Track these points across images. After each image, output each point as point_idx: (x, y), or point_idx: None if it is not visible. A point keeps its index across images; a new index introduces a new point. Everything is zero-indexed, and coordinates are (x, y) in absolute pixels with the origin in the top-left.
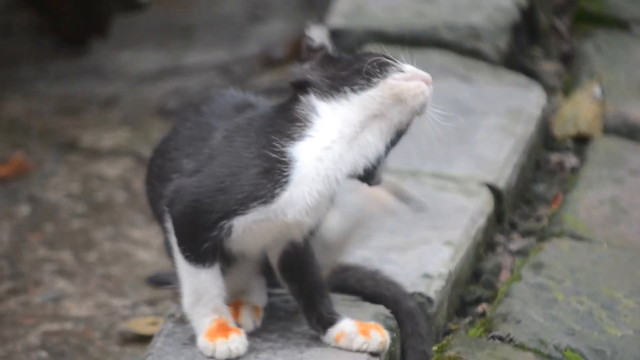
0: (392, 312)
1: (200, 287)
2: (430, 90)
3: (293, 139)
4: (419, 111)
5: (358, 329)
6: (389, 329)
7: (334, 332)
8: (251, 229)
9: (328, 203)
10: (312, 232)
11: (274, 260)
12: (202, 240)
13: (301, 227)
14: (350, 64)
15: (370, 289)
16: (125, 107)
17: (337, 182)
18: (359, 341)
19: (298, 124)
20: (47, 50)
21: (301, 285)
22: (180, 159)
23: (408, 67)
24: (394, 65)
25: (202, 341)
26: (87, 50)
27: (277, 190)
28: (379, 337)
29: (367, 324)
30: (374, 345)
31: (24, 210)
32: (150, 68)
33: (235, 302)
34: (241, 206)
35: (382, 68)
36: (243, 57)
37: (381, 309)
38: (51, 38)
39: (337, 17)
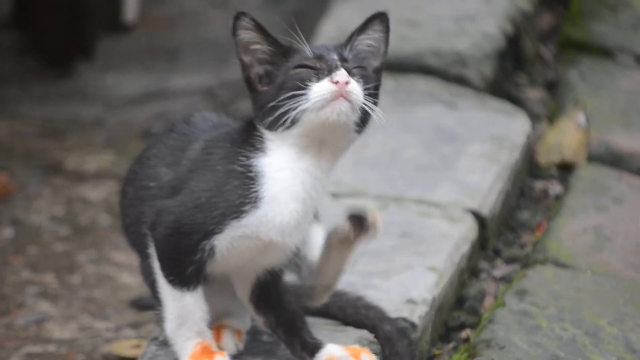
0: (374, 337)
1: (185, 311)
2: (346, 97)
3: (257, 149)
4: (346, 120)
5: (349, 353)
6: (374, 352)
7: (322, 356)
8: (234, 249)
9: (307, 223)
10: (295, 255)
11: (244, 293)
12: (186, 264)
13: (282, 249)
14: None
15: (352, 317)
16: (110, 130)
17: (311, 199)
18: None
19: (260, 136)
20: (31, 72)
21: (278, 315)
22: (159, 167)
23: (319, 89)
24: (304, 97)
25: None
26: (72, 72)
27: (246, 207)
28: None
29: (355, 347)
30: None
31: (7, 232)
32: (134, 91)
33: (217, 325)
34: (218, 224)
35: (297, 102)
36: (228, 81)
37: (365, 333)
38: (36, 59)
39: (323, 40)
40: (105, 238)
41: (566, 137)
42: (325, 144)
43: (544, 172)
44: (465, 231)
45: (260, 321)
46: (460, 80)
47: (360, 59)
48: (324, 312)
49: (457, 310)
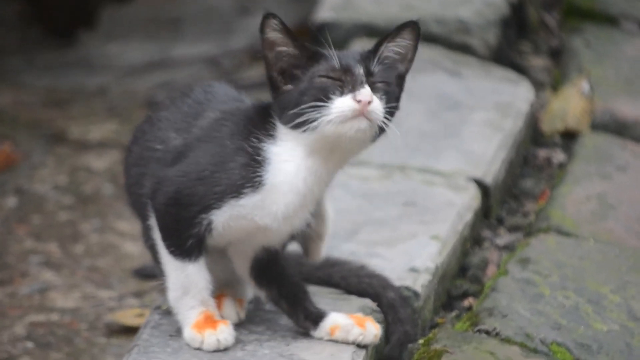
0: (377, 305)
1: (187, 281)
2: (367, 116)
3: (270, 136)
4: (363, 136)
5: (354, 322)
6: (377, 321)
7: (326, 325)
8: (230, 227)
9: (305, 213)
10: (292, 237)
11: (244, 269)
12: (186, 236)
13: (277, 233)
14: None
15: (354, 286)
16: (113, 99)
17: (312, 194)
18: (355, 332)
19: (274, 124)
20: (35, 42)
21: (281, 287)
22: (169, 130)
23: (342, 105)
24: (327, 109)
25: (190, 332)
26: (75, 41)
27: (246, 189)
28: (374, 329)
29: (359, 316)
30: (369, 337)
31: (10, 201)
32: (138, 60)
33: (219, 294)
34: (217, 200)
35: (318, 113)
36: (231, 50)
37: (367, 302)
38: (39, 29)
39: (327, 10)
40: (109, 207)
41: (570, 105)
42: (337, 150)
43: (547, 140)
44: (468, 200)
45: (262, 295)
46: (463, 48)
47: (387, 67)
48: (327, 281)
49: (460, 278)
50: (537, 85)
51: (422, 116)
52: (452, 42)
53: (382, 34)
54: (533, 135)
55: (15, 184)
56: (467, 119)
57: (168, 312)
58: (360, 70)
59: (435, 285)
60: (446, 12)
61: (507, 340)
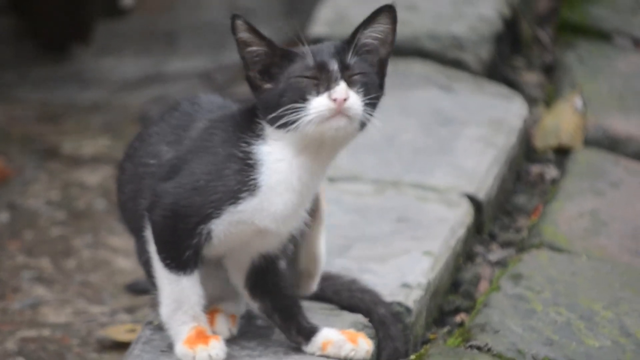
0: (368, 320)
1: (181, 295)
2: (345, 113)
3: (258, 137)
4: (344, 134)
5: (346, 337)
6: (369, 337)
7: (318, 340)
8: (231, 234)
9: (302, 211)
10: (290, 241)
11: (239, 279)
12: (183, 247)
13: (277, 235)
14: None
15: (346, 301)
16: (107, 114)
17: (308, 189)
18: (347, 348)
19: (261, 124)
20: (28, 56)
21: (274, 300)
22: (160, 144)
23: (318, 105)
24: (305, 109)
25: (181, 348)
26: (69, 56)
27: (244, 194)
28: (366, 345)
29: (352, 332)
30: (360, 354)
31: (3, 217)
32: (131, 75)
33: (211, 310)
34: (215, 209)
35: (297, 114)
36: (225, 65)
37: (359, 317)
38: (33, 43)
39: (320, 25)
40: (101, 223)
41: (563, 121)
42: (324, 146)
43: (540, 156)
44: (461, 215)
45: (255, 307)
46: (457, 64)
47: (365, 56)
48: (319, 296)
49: (452, 294)
50: (530, 101)
51: (416, 131)
52: (446, 57)
53: None
54: (526, 151)
55: (8, 199)
56: (460, 134)
57: (160, 328)
58: (334, 66)
59: (427, 300)
60: (439, 28)
61: (499, 356)
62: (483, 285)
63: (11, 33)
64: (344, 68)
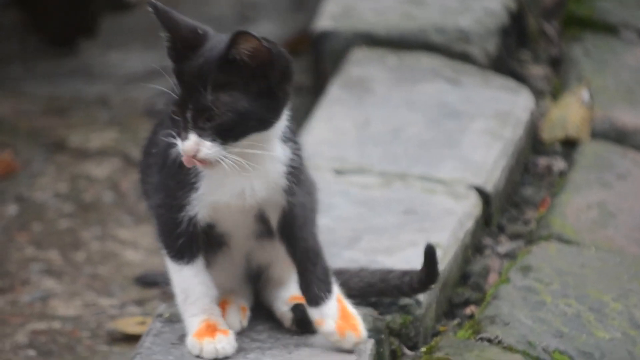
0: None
1: (185, 285)
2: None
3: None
4: (219, 165)
5: (337, 328)
6: (377, 330)
7: (315, 314)
8: (213, 217)
9: (267, 182)
10: (290, 203)
11: (275, 223)
12: (175, 236)
13: (259, 206)
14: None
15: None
16: (114, 107)
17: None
18: (333, 340)
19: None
20: (34, 50)
21: (295, 249)
22: (159, 134)
23: (179, 149)
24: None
25: (190, 340)
26: (75, 50)
27: (194, 181)
28: (354, 337)
29: (348, 321)
30: (348, 345)
31: (11, 209)
32: (138, 68)
33: (222, 301)
34: (181, 199)
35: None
36: None
37: (370, 310)
38: (39, 37)
39: (326, 19)
40: (109, 215)
41: (570, 114)
42: None
43: (547, 148)
44: (469, 208)
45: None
46: (463, 57)
47: (235, 84)
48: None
49: (462, 286)
50: (537, 94)
51: (422, 124)
52: (452, 51)
53: (382, 43)
54: (533, 143)
55: (16, 192)
56: (467, 127)
57: (170, 320)
58: (187, 113)
59: (436, 293)
60: (446, 21)
61: (509, 349)
62: (492, 278)
63: (17, 27)
64: (198, 113)
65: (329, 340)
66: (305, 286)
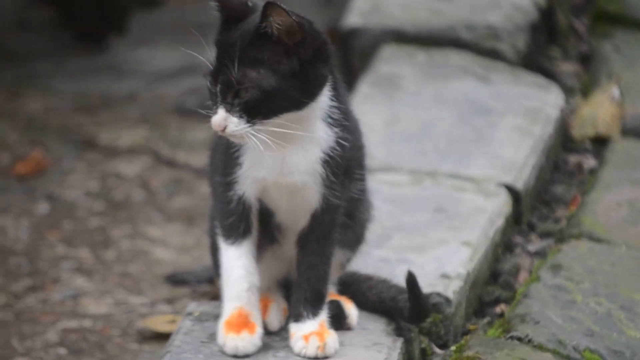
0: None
1: (228, 266)
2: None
3: None
4: (246, 140)
5: (302, 336)
6: (406, 328)
7: (292, 328)
8: (260, 195)
9: (297, 165)
10: (329, 197)
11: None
12: (226, 213)
13: (296, 189)
14: None
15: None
16: (143, 104)
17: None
18: (297, 347)
19: None
20: (64, 47)
21: (302, 258)
22: None
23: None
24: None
25: (220, 327)
26: (105, 47)
27: (241, 159)
28: (317, 342)
29: (319, 331)
30: (310, 350)
31: (42, 208)
32: (168, 66)
33: (264, 298)
34: (230, 176)
35: None
36: None
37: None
38: (69, 34)
39: (355, 16)
40: (139, 213)
41: (600, 111)
42: None
43: (578, 145)
44: (499, 206)
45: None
46: (493, 54)
47: (261, 61)
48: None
49: (492, 285)
50: (567, 91)
51: (452, 122)
52: (482, 47)
53: (412, 40)
54: (563, 141)
55: (46, 190)
56: (497, 124)
57: (200, 319)
58: (217, 87)
59: (466, 291)
60: (475, 18)
61: (540, 347)
62: (522, 276)
63: (47, 24)
64: (226, 88)
65: (293, 348)
66: (295, 300)
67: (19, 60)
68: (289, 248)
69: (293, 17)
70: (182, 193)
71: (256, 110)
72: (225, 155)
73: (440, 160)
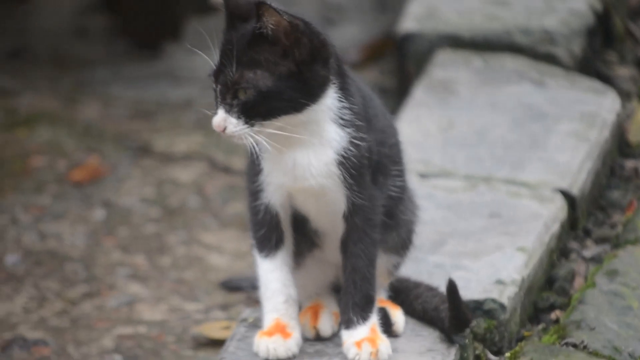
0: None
1: (263, 279)
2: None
3: None
4: (248, 142)
5: (354, 342)
6: (461, 335)
7: (344, 335)
8: (282, 203)
9: (313, 168)
10: (352, 197)
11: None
12: (256, 224)
13: (319, 190)
14: None
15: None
16: (199, 111)
17: (289, 151)
18: (351, 354)
19: None
20: (121, 53)
21: (345, 263)
22: None
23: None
24: None
25: (256, 337)
26: (161, 53)
27: (260, 166)
28: (369, 348)
29: (370, 336)
30: (364, 357)
31: (98, 214)
32: None
33: (315, 305)
34: (256, 183)
35: None
36: None
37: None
38: (125, 41)
39: (410, 21)
40: (194, 219)
41: None
42: None
43: (634, 150)
44: (554, 211)
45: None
46: (549, 59)
47: (258, 62)
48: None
49: (547, 291)
50: (623, 96)
51: (507, 127)
52: (537, 52)
53: (467, 45)
54: (619, 145)
55: (102, 197)
56: (553, 129)
57: (254, 325)
58: (217, 87)
59: (521, 297)
60: (531, 22)
61: (595, 354)
62: (578, 282)
63: (104, 31)
64: (225, 88)
65: (347, 355)
66: (343, 306)
67: (76, 67)
68: (332, 253)
69: (285, 17)
70: (237, 199)
71: (254, 111)
72: (252, 163)
73: (495, 165)
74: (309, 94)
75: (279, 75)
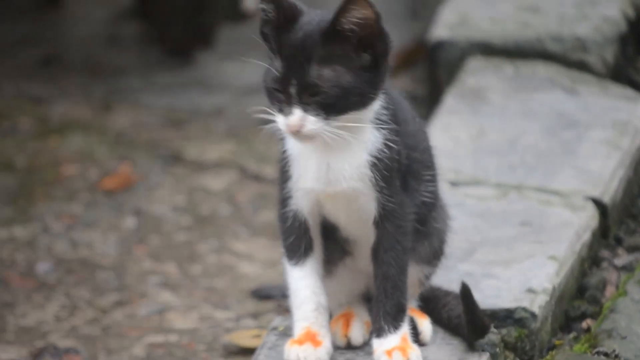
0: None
1: (294, 287)
2: (302, 136)
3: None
4: (316, 139)
5: (385, 351)
6: (492, 343)
7: (375, 343)
8: (310, 208)
9: (341, 172)
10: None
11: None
12: (285, 232)
13: (350, 195)
14: None
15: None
16: (230, 119)
17: (323, 153)
18: None
19: None
20: (153, 61)
21: (376, 271)
22: None
23: (280, 123)
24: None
25: (286, 345)
26: (193, 61)
27: (288, 169)
28: (400, 357)
29: (401, 345)
30: None
31: (130, 222)
32: (255, 80)
33: (346, 313)
34: (285, 190)
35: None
36: None
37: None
38: (157, 49)
39: (442, 28)
40: (225, 228)
41: None
42: None
43: None
44: (586, 219)
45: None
46: (581, 66)
47: (338, 59)
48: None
49: (578, 299)
50: None
51: (539, 135)
52: (569, 59)
53: (499, 52)
54: None
55: (134, 205)
56: (584, 137)
57: (285, 333)
58: (292, 89)
59: (552, 306)
60: (563, 30)
61: None
62: (609, 291)
63: (136, 39)
64: (302, 88)
65: None
66: (375, 315)
67: (108, 75)
68: (363, 261)
69: (375, 10)
70: (268, 207)
71: (332, 107)
72: (281, 170)
73: (526, 173)
74: (378, 88)
75: (355, 69)
